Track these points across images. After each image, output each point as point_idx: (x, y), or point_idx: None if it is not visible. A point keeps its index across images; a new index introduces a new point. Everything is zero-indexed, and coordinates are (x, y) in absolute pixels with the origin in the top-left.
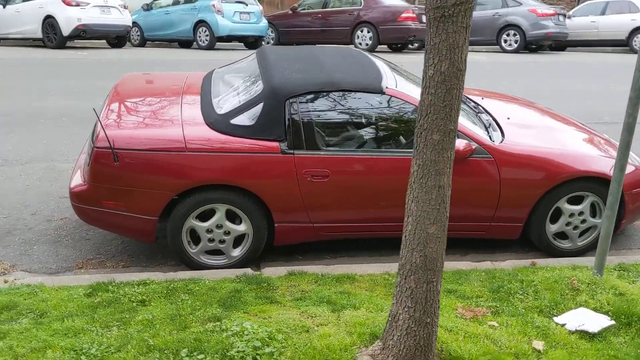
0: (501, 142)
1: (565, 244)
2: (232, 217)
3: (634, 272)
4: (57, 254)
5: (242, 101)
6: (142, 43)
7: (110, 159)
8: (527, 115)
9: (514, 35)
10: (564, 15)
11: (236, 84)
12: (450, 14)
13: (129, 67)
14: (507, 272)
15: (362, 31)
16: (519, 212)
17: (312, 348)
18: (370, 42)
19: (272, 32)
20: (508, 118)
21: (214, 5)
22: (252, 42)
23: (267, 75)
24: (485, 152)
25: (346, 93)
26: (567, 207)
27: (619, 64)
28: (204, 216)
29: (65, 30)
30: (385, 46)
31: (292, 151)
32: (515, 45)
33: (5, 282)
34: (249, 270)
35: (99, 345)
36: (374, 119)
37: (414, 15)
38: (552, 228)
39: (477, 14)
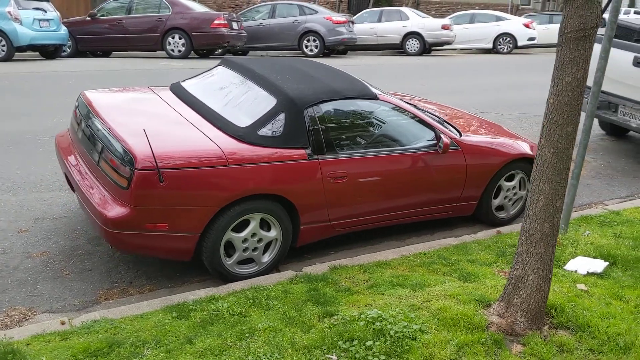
0: (460, 136)
1: (502, 215)
2: (261, 225)
3: (583, 226)
4: (69, 289)
5: (259, 113)
6: None
7: (155, 180)
8: (453, 114)
9: (314, 40)
10: (353, 22)
11: (226, 96)
12: (588, 35)
13: None
14: (492, 240)
15: (173, 37)
16: (476, 191)
17: (449, 318)
18: (184, 48)
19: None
20: (446, 116)
21: (10, 13)
22: (51, 52)
23: (276, 87)
24: (455, 144)
25: (348, 100)
26: (505, 184)
27: (403, 65)
28: (237, 227)
29: None
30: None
31: (316, 157)
32: (316, 50)
33: (63, 323)
34: (299, 273)
35: (264, 355)
36: (374, 122)
37: (226, 22)
38: (495, 202)
39: (278, 20)
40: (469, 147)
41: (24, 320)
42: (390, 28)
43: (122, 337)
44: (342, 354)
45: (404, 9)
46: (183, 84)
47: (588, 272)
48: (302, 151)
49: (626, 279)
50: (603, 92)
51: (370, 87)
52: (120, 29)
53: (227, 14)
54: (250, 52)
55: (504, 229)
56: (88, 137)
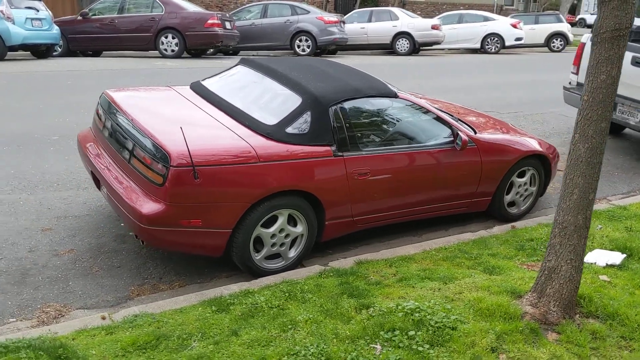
0: (475, 134)
1: (513, 210)
2: (288, 220)
3: (594, 220)
4: (101, 285)
5: (285, 111)
6: None
7: (190, 177)
8: (463, 112)
9: (306, 40)
10: (344, 22)
11: (250, 94)
12: (623, 34)
13: None
14: (509, 235)
15: (166, 37)
16: (491, 187)
17: (485, 308)
18: (177, 48)
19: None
20: (457, 114)
21: (2, 12)
22: (43, 51)
23: (300, 86)
24: (472, 142)
25: (369, 98)
26: (517, 180)
27: (394, 64)
28: (265, 223)
29: None
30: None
31: (341, 153)
32: (308, 50)
33: (103, 318)
34: (326, 267)
35: (312, 345)
36: (394, 119)
37: (219, 21)
38: (507, 198)
39: (270, 20)
40: (484, 144)
41: (59, 316)
42: (380, 28)
43: (167, 330)
44: (385, 344)
45: (393, 9)
46: (204, 82)
47: (607, 264)
48: (328, 148)
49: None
50: None
51: (390, 86)
52: (112, 28)
53: (220, 14)
54: (241, 51)
55: (518, 224)
56: (116, 135)
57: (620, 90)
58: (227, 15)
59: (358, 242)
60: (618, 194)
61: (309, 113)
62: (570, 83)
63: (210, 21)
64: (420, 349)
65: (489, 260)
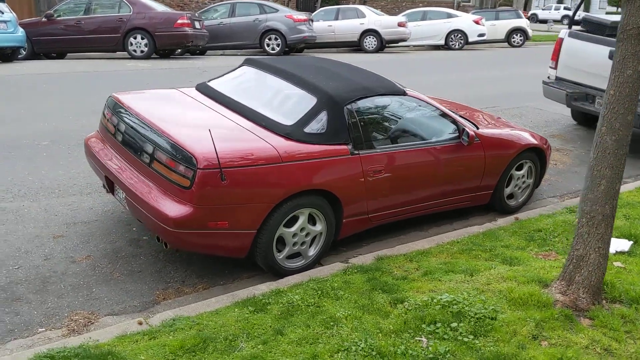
0: (478, 129)
1: (512, 202)
2: (307, 219)
3: None
4: (125, 291)
5: (302, 111)
6: None
7: (217, 179)
8: (459, 108)
9: (276, 39)
10: (312, 21)
11: (262, 95)
12: None
13: None
14: (515, 226)
15: (135, 38)
16: (493, 180)
17: (518, 298)
18: (147, 48)
19: None
20: (456, 110)
21: None
22: (8, 54)
23: (314, 85)
24: (476, 137)
25: (381, 96)
26: (516, 173)
27: (364, 62)
28: (287, 223)
29: None
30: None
31: (357, 152)
32: (278, 49)
33: (140, 323)
34: (348, 264)
35: (360, 341)
36: (404, 117)
37: (189, 21)
38: (507, 191)
39: (238, 19)
40: (486, 139)
41: (89, 324)
42: (347, 26)
43: (211, 333)
44: (429, 336)
45: (360, 7)
46: (211, 84)
47: (617, 251)
48: (345, 147)
49: None
50: (581, 84)
51: (397, 84)
52: (79, 29)
53: (190, 13)
54: (208, 51)
55: (521, 216)
56: (132, 139)
57: (599, 84)
58: (197, 14)
59: (369, 239)
60: None
61: (325, 112)
62: (549, 77)
63: (180, 21)
64: (465, 339)
65: (504, 252)
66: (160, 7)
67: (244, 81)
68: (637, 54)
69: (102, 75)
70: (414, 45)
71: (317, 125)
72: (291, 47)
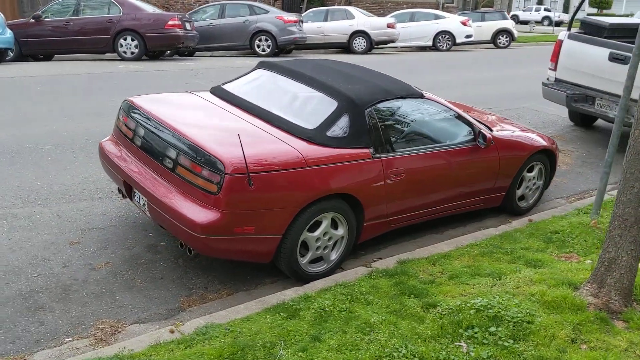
0: (492, 132)
1: (523, 204)
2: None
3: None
4: (149, 298)
5: (323, 115)
6: None
7: (245, 184)
8: (468, 110)
9: (266, 40)
10: (302, 22)
11: (280, 99)
12: None
13: None
14: (531, 228)
15: (125, 39)
16: (505, 182)
17: (551, 301)
18: (137, 50)
19: None
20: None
21: None
22: None
23: (334, 89)
24: (491, 140)
25: (400, 99)
26: (527, 175)
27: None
28: (310, 227)
29: None
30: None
31: (379, 155)
32: (268, 50)
33: (172, 332)
34: (371, 268)
35: (400, 347)
36: (423, 120)
37: (180, 22)
38: (518, 193)
39: (228, 20)
40: (500, 142)
41: (116, 332)
42: (337, 27)
43: (246, 340)
44: (468, 341)
45: (349, 8)
46: (226, 87)
47: None
48: (367, 150)
49: None
50: (580, 85)
51: (415, 87)
52: (67, 31)
53: (181, 14)
54: (196, 52)
55: (534, 217)
56: (153, 144)
57: (599, 85)
58: (187, 15)
59: (386, 242)
60: (612, 184)
61: (346, 116)
62: (548, 79)
63: (171, 22)
64: (506, 344)
65: (525, 254)
66: (150, 8)
67: (260, 84)
68: None
69: (94, 77)
70: (402, 47)
71: (339, 128)
72: (281, 49)
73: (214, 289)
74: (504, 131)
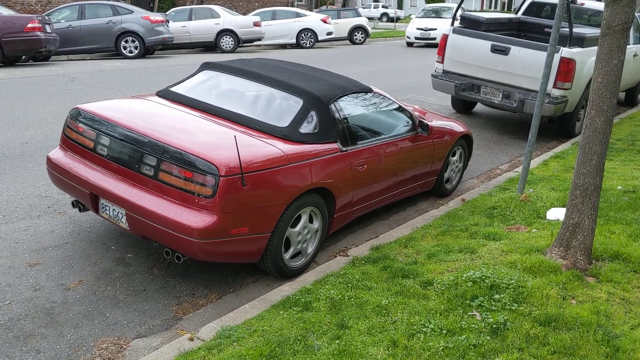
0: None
1: (448, 186)
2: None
3: (515, 186)
4: (140, 311)
5: (291, 113)
6: None
7: (238, 185)
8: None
9: (133, 41)
10: (168, 21)
11: (240, 99)
12: (628, 27)
13: None
14: (468, 206)
15: None
16: (438, 166)
17: (531, 267)
18: None
19: None
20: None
21: None
22: None
23: (295, 87)
24: (432, 128)
25: (354, 94)
26: (452, 159)
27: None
28: (292, 223)
29: None
30: None
31: (345, 149)
32: (136, 52)
33: (191, 339)
34: (348, 257)
35: (426, 322)
36: (374, 112)
37: (40, 25)
38: (445, 175)
39: (89, 22)
40: (434, 130)
41: (122, 350)
42: (202, 26)
43: (276, 336)
44: (478, 310)
45: (214, 7)
46: (178, 90)
47: (558, 219)
48: (335, 145)
49: (599, 219)
50: (466, 76)
51: (362, 83)
52: None
53: (40, 17)
54: (53, 56)
55: (466, 197)
56: (124, 153)
57: (483, 74)
58: (46, 17)
59: (345, 232)
60: (504, 164)
61: (314, 112)
62: (436, 71)
63: (30, 25)
64: (512, 308)
65: (479, 230)
66: (4, 11)
67: (213, 86)
68: (621, 47)
69: None
70: (265, 45)
71: (310, 125)
72: (148, 50)
73: (201, 294)
74: (434, 121)
